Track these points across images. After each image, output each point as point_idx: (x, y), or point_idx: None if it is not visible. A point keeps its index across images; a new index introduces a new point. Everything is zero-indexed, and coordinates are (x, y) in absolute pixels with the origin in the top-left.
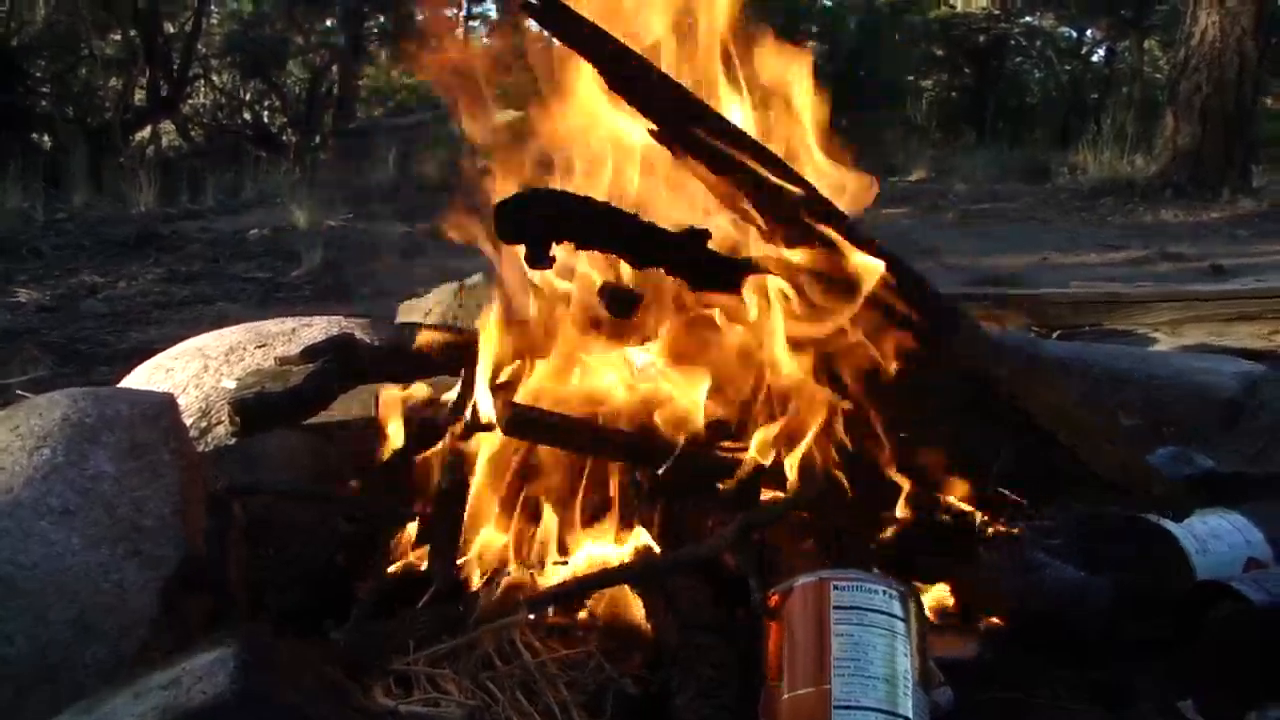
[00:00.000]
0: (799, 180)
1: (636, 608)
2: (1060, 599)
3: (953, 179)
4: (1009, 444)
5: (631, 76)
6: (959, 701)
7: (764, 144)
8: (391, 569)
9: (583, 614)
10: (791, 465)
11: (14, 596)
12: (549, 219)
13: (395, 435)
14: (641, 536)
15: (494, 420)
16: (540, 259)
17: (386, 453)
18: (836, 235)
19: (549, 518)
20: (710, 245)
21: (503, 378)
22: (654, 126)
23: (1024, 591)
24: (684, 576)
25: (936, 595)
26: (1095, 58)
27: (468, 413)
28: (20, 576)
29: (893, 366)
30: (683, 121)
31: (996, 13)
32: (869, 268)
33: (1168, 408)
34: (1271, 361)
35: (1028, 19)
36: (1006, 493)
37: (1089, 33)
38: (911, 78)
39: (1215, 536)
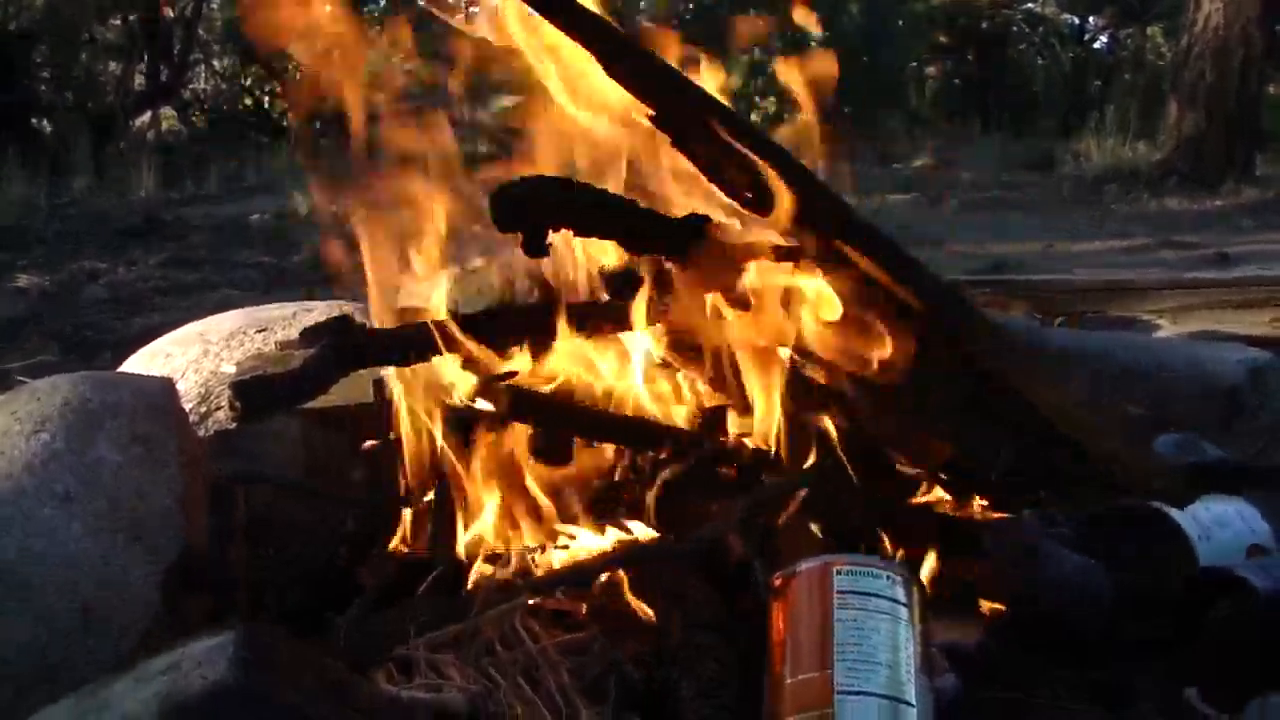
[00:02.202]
0: (798, 170)
1: (640, 597)
2: (1060, 596)
3: (956, 167)
4: (1009, 443)
5: (630, 63)
6: (959, 700)
7: (765, 132)
8: (392, 556)
9: (584, 600)
10: (793, 451)
11: (16, 584)
12: (545, 206)
13: (396, 420)
14: (642, 523)
15: (494, 404)
16: (537, 247)
17: (388, 438)
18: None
19: (549, 503)
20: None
21: (503, 362)
22: (653, 112)
23: (1024, 584)
24: (685, 571)
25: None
26: (1098, 45)
27: (468, 396)
28: (22, 564)
29: (894, 359)
30: (683, 108)
31: None
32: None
33: (1172, 396)
34: (1276, 349)
35: (1030, 6)
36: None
37: (1091, 20)
38: (914, 65)
39: (1219, 524)
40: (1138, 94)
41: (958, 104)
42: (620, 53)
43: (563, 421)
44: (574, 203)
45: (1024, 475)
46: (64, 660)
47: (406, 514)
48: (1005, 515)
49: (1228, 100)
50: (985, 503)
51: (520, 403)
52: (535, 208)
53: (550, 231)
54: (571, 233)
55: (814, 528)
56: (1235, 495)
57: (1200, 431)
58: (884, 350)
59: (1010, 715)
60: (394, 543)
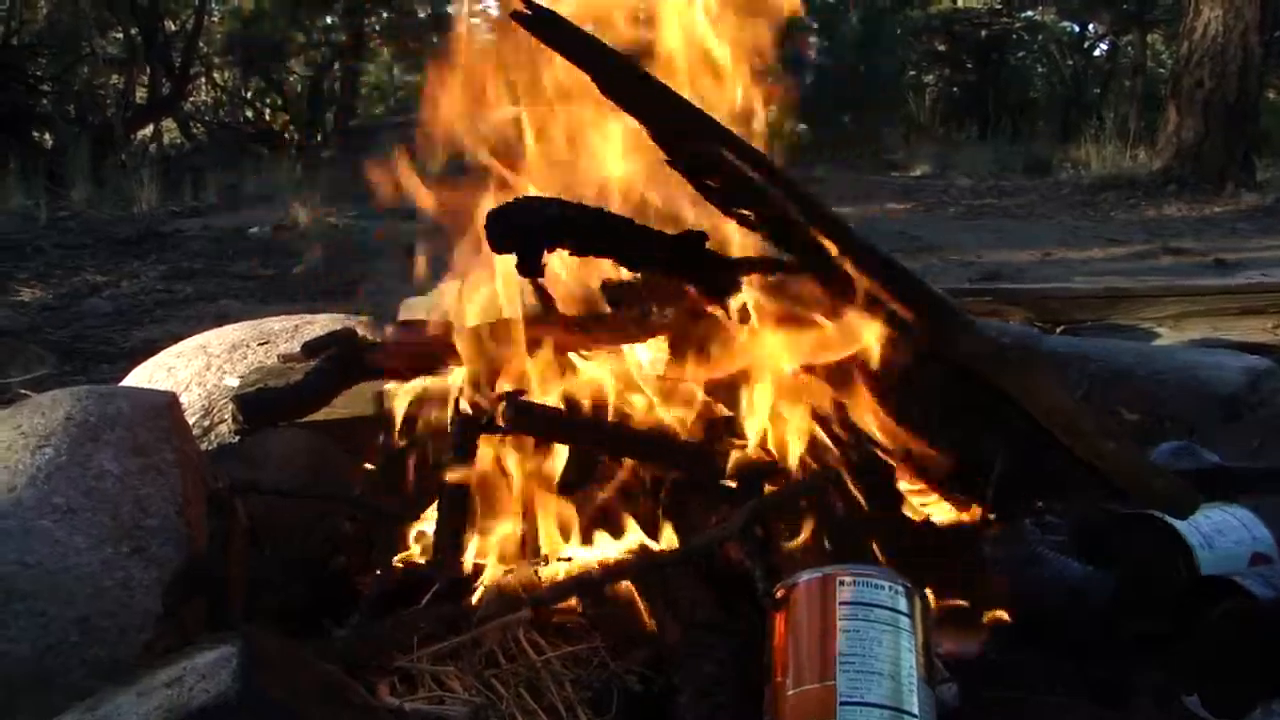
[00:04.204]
0: (796, 188)
1: (639, 605)
2: (1060, 597)
3: (955, 174)
4: (1008, 449)
5: (629, 85)
6: (962, 698)
7: (763, 152)
8: (393, 565)
9: (586, 611)
10: (793, 459)
11: (17, 596)
12: (540, 227)
13: (398, 432)
14: (644, 533)
15: (498, 416)
16: (532, 267)
17: (390, 450)
18: (835, 247)
19: (552, 514)
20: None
21: (506, 373)
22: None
23: (1025, 589)
24: (684, 576)
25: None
26: (1097, 52)
27: (472, 409)
28: (24, 576)
29: (889, 367)
30: (681, 130)
31: (998, 7)
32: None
33: (1171, 403)
34: (1276, 355)
35: (1029, 13)
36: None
37: (1091, 27)
38: (913, 73)
39: (1220, 532)
40: (1136, 101)
41: (956, 111)
42: (616, 72)
43: (567, 434)
44: (569, 222)
45: (1024, 481)
46: (65, 671)
47: (411, 524)
48: (1005, 523)
49: (1227, 106)
50: (986, 510)
51: (524, 416)
52: (528, 228)
53: (546, 252)
54: (567, 252)
55: (816, 538)
56: (1234, 502)
57: (1199, 437)
58: (880, 359)
59: (1011, 712)
60: (397, 553)
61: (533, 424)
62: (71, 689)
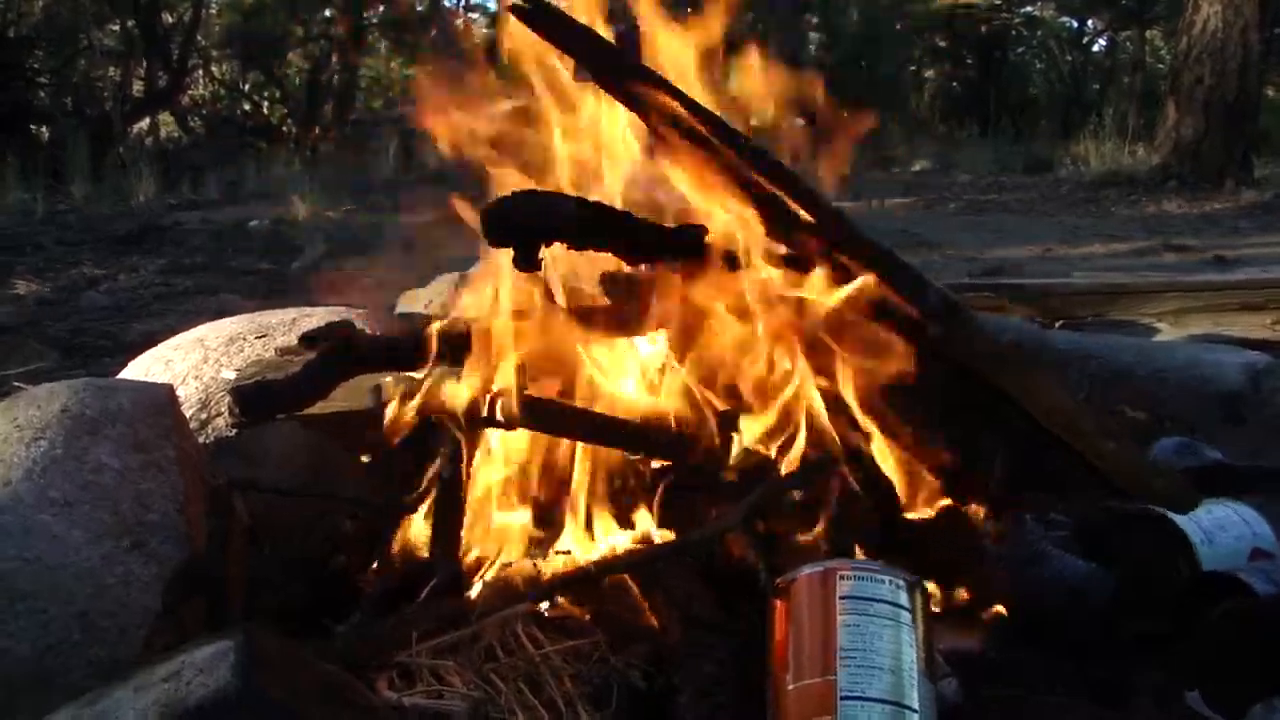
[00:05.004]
0: (794, 181)
1: (639, 600)
2: (1060, 597)
3: (955, 171)
4: (1009, 446)
5: (625, 79)
6: (962, 694)
7: (762, 146)
8: (394, 562)
9: (586, 605)
10: (794, 454)
11: (16, 593)
12: (536, 221)
13: (397, 426)
14: (644, 527)
15: (497, 410)
16: (529, 262)
17: (388, 444)
18: (830, 238)
19: (552, 508)
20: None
21: (507, 368)
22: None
23: (1025, 587)
24: (684, 574)
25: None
26: (1097, 48)
27: (469, 402)
28: (24, 572)
29: (891, 364)
30: (677, 122)
31: (998, 3)
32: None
33: (1171, 402)
34: (1275, 351)
35: (1029, 9)
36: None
37: (1090, 23)
38: (914, 69)
39: (1221, 528)
40: (1136, 97)
41: (956, 108)
42: (612, 64)
43: (566, 426)
44: (566, 216)
45: (1025, 479)
46: (63, 668)
47: (409, 519)
48: (1007, 520)
49: (1226, 103)
50: (986, 508)
51: (523, 407)
52: (524, 223)
53: (543, 246)
54: (565, 246)
55: (818, 532)
56: (1236, 499)
57: (1199, 434)
58: (884, 356)
59: (1011, 711)
60: (396, 548)
61: (532, 418)
62: (71, 688)
